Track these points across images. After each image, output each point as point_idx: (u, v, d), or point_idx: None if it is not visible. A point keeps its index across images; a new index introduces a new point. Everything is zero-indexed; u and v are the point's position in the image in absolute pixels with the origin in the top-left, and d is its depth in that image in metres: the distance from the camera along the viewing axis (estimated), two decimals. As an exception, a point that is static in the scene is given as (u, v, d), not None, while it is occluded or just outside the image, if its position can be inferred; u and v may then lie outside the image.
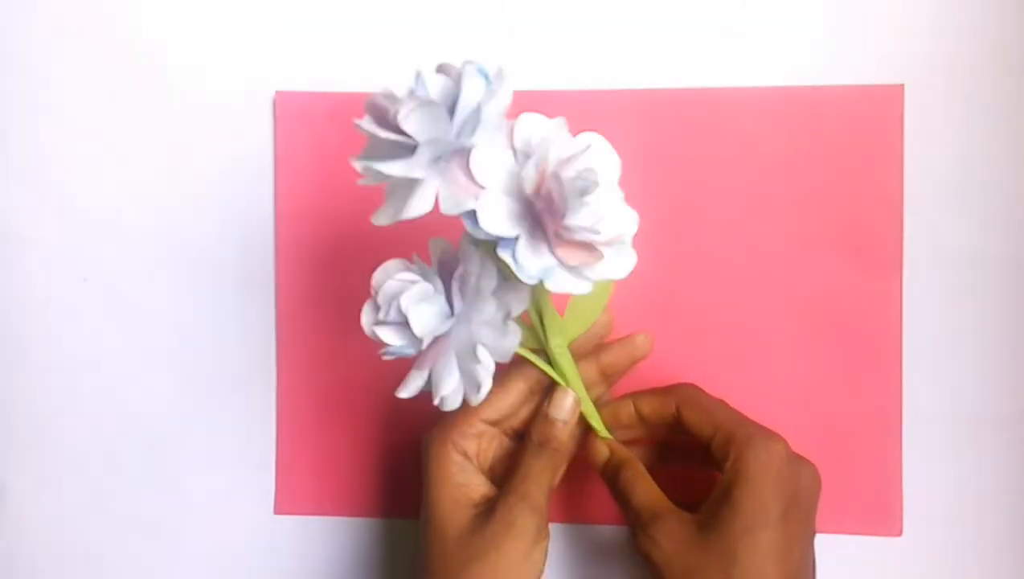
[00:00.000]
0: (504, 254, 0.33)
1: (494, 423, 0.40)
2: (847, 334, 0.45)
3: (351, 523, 0.48)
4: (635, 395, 0.42)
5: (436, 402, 0.35)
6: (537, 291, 0.36)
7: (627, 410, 0.41)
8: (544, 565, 0.39)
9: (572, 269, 0.34)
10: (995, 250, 0.45)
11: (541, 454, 0.39)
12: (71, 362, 0.49)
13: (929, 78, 0.45)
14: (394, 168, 0.32)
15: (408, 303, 0.35)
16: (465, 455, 0.40)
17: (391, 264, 0.36)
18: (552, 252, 0.33)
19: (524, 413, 0.41)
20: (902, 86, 0.45)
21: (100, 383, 0.49)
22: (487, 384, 0.34)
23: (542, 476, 0.39)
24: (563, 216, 0.32)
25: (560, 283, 0.34)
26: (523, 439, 0.41)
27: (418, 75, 0.32)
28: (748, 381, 0.45)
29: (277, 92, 0.47)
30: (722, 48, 0.46)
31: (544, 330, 0.38)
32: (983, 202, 0.45)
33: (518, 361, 0.40)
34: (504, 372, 0.40)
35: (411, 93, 0.32)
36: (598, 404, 0.42)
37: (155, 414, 0.48)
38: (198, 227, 0.48)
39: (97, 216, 0.49)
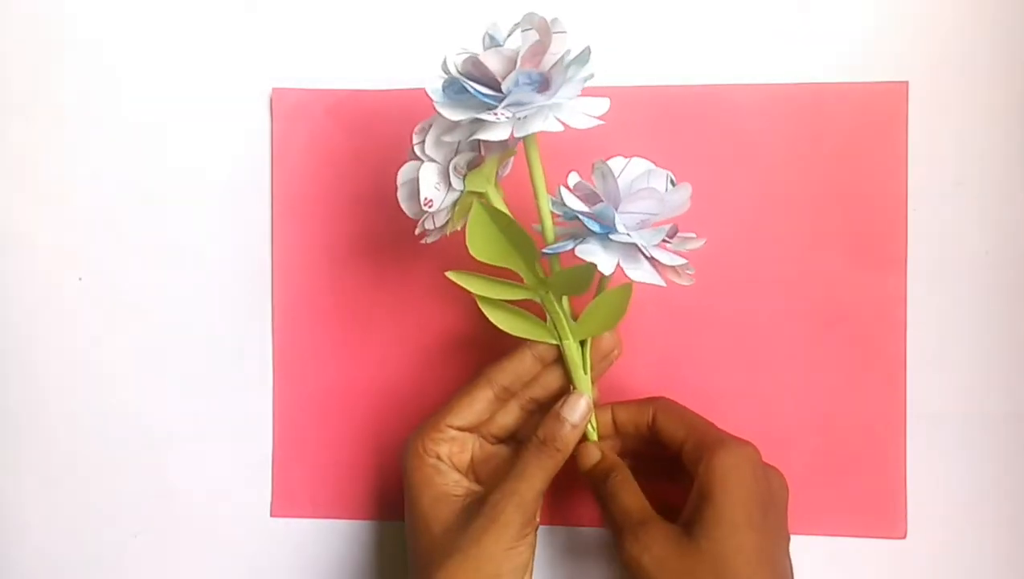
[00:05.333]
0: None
1: (466, 429, 0.41)
2: (851, 333, 0.45)
3: (347, 526, 0.47)
4: (614, 405, 0.42)
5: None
6: (556, 292, 0.39)
7: (605, 419, 0.42)
8: (529, 561, 0.39)
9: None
10: (1000, 248, 0.44)
11: (540, 453, 0.39)
12: (65, 362, 0.48)
13: (933, 75, 0.44)
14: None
15: None
16: (439, 458, 0.41)
17: None
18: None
19: (502, 419, 0.41)
20: (906, 83, 0.44)
21: (95, 384, 0.48)
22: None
23: (535, 475, 0.39)
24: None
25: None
26: (507, 442, 0.42)
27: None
28: (751, 381, 0.45)
29: (274, 88, 0.47)
30: (725, 45, 0.45)
31: (558, 328, 0.39)
32: (988, 200, 0.44)
33: (483, 370, 0.40)
34: (471, 381, 0.41)
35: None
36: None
37: (151, 416, 0.48)
38: (194, 225, 0.48)
39: (92, 214, 0.48)
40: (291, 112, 0.47)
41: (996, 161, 0.44)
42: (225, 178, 0.48)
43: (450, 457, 0.41)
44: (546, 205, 0.39)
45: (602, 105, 0.37)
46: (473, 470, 0.42)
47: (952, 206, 0.44)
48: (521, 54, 0.34)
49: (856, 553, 0.45)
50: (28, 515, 0.49)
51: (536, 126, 0.35)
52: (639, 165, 0.38)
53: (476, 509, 0.39)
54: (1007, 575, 0.44)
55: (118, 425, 0.48)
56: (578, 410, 0.39)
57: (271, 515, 0.48)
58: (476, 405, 0.40)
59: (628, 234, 0.36)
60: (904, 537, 0.44)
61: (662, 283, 0.37)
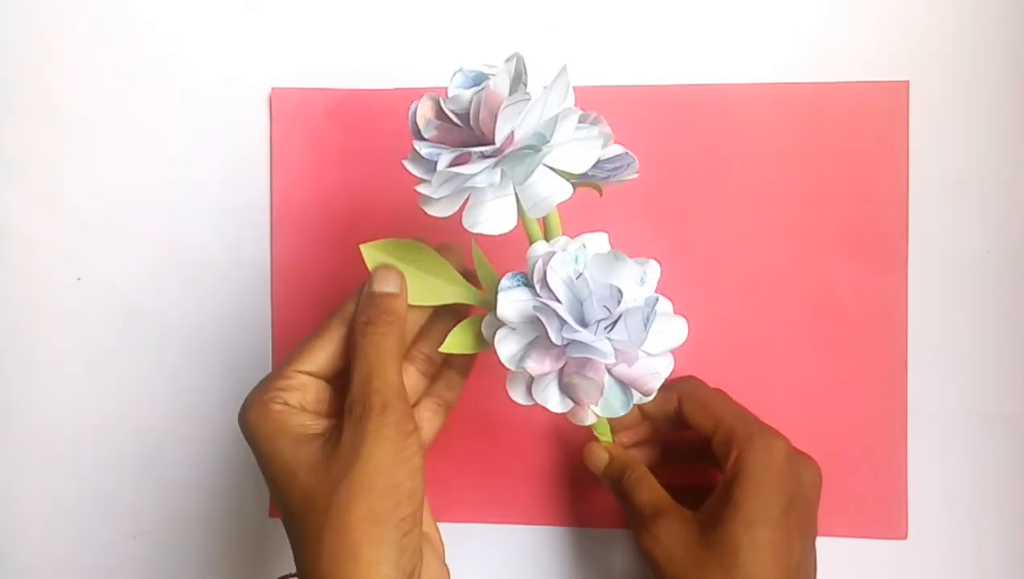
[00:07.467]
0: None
1: (317, 376, 0.36)
2: (852, 333, 0.44)
3: (348, 526, 0.47)
4: None
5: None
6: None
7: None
8: (422, 461, 0.34)
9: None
10: (1001, 248, 0.44)
11: (373, 336, 0.34)
12: (65, 362, 0.48)
13: (934, 75, 0.44)
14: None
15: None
16: (286, 403, 0.35)
17: None
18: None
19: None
20: (907, 83, 0.44)
21: (95, 383, 0.48)
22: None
23: (383, 360, 0.34)
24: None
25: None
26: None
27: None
28: (752, 380, 0.45)
29: (273, 88, 0.47)
30: (727, 44, 0.45)
31: None
32: (988, 200, 0.44)
33: (336, 308, 0.36)
34: (323, 320, 0.36)
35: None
36: None
37: (151, 416, 0.48)
38: (193, 225, 0.48)
39: (91, 214, 0.48)
40: (290, 112, 0.47)
41: (997, 160, 0.44)
42: (225, 178, 0.48)
43: (301, 403, 0.35)
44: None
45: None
46: (329, 414, 0.36)
47: (953, 205, 0.44)
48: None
49: (857, 553, 0.45)
50: (28, 515, 0.49)
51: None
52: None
53: (339, 433, 0.33)
54: (1008, 575, 0.44)
55: (118, 425, 0.48)
56: (389, 280, 0.35)
57: (270, 515, 0.48)
58: (329, 345, 0.36)
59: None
60: (905, 537, 0.44)
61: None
